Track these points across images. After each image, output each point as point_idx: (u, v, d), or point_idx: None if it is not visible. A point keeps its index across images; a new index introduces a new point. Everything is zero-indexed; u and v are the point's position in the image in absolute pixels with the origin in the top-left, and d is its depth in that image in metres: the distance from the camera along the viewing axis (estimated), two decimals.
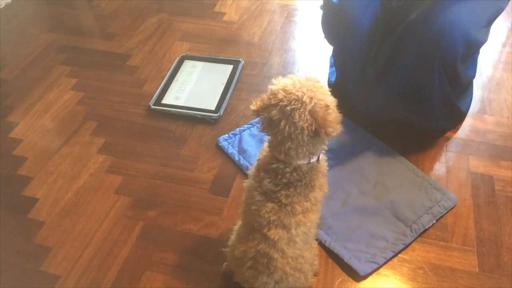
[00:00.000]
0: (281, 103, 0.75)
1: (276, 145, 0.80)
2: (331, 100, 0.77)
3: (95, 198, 1.26)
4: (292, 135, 0.76)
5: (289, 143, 0.77)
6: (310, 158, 0.82)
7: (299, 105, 0.74)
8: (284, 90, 0.76)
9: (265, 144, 0.86)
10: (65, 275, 1.09)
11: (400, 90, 1.27)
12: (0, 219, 1.22)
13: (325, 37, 1.39)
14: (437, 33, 1.10)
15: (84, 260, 1.12)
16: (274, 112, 0.76)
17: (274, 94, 0.77)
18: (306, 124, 0.74)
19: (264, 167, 0.85)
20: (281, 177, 0.83)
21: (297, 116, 0.74)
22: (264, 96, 0.79)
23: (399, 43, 1.18)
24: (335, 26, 1.31)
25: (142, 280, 1.07)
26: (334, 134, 0.76)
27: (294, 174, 0.82)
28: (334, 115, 0.77)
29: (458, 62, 1.19)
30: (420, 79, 1.22)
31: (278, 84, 0.78)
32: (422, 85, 1.23)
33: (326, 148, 0.84)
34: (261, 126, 0.81)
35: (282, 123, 0.75)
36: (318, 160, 0.85)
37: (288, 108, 0.75)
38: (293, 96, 0.75)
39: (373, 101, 1.35)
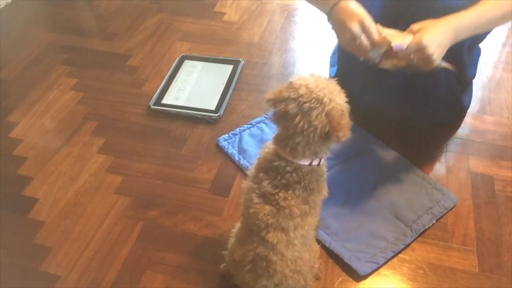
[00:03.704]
0: (300, 99, 0.76)
1: (285, 137, 0.81)
2: (346, 106, 0.79)
3: (95, 198, 1.26)
4: (304, 132, 0.77)
5: (299, 138, 0.78)
6: (312, 160, 0.83)
7: (318, 105, 0.76)
8: (306, 87, 0.77)
9: (268, 143, 0.87)
10: (65, 275, 1.09)
11: (407, 81, 1.26)
12: (0, 219, 1.22)
13: (332, 28, 1.37)
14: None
15: (84, 260, 1.12)
16: (291, 105, 0.77)
17: (295, 89, 0.77)
18: (320, 125, 0.76)
19: (264, 166, 0.85)
20: (280, 178, 0.83)
21: (314, 115, 0.76)
22: (282, 88, 0.80)
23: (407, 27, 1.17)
24: None
25: (142, 280, 1.07)
26: (343, 139, 0.78)
27: (294, 174, 0.82)
28: (347, 120, 0.78)
29: (464, 51, 1.18)
30: None
31: (300, 80, 0.79)
32: (429, 75, 1.22)
33: (329, 151, 0.86)
34: (273, 116, 0.81)
35: (297, 118, 0.77)
36: (319, 164, 0.85)
37: (307, 105, 0.76)
38: (314, 95, 0.76)
39: (377, 95, 1.34)
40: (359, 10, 0.97)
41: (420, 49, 0.93)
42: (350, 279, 1.05)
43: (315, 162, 0.84)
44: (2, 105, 1.57)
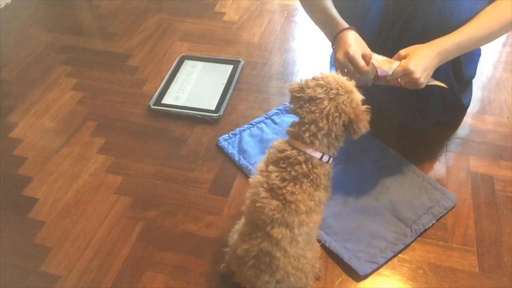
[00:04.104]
0: (328, 85, 0.83)
1: (306, 123, 0.84)
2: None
3: (95, 198, 1.26)
4: (330, 117, 0.83)
5: (324, 122, 0.83)
6: (323, 154, 0.86)
7: (344, 92, 0.83)
8: (333, 77, 0.85)
9: (279, 138, 0.91)
10: (65, 275, 1.09)
11: None
12: (0, 219, 1.22)
13: None
14: (446, 13, 1.09)
15: (84, 260, 1.12)
16: (320, 90, 0.83)
17: (323, 77, 0.85)
18: (347, 109, 0.83)
19: (275, 157, 0.87)
20: (290, 169, 0.85)
21: (341, 100, 0.82)
22: (305, 78, 0.87)
23: (407, 25, 1.16)
24: (344, 12, 1.29)
25: (142, 280, 1.07)
26: (363, 130, 0.85)
27: (304, 166, 0.85)
28: (367, 115, 0.86)
29: None
30: None
31: (325, 74, 0.86)
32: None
33: (338, 148, 0.90)
34: (294, 106, 0.86)
35: (325, 102, 0.83)
36: (328, 161, 0.88)
37: (334, 91, 0.83)
38: (341, 83, 0.84)
39: (378, 94, 1.34)
40: (350, 41, 1.04)
41: (406, 75, 1.00)
42: (350, 279, 1.05)
43: (325, 158, 0.87)
44: (2, 105, 1.57)
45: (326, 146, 0.86)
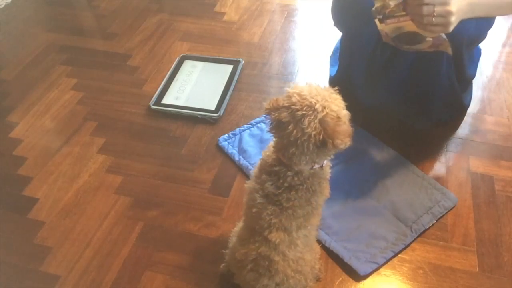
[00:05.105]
0: (293, 107, 0.74)
1: (281, 147, 0.80)
2: (344, 114, 0.77)
3: (95, 198, 1.26)
4: (298, 141, 0.75)
5: (293, 149, 0.76)
6: (312, 165, 0.82)
7: (310, 112, 0.73)
8: (299, 94, 0.75)
9: (271, 144, 0.86)
10: (65, 275, 1.09)
11: (408, 76, 1.26)
12: (0, 219, 1.22)
13: (334, 25, 1.36)
14: None
15: (84, 260, 1.12)
16: (284, 114, 0.75)
17: (288, 97, 0.76)
18: (314, 132, 0.74)
19: (266, 169, 0.84)
20: (282, 181, 0.82)
21: (306, 123, 0.73)
22: (280, 97, 0.78)
23: None
24: (347, 11, 1.29)
25: (142, 280, 1.07)
26: (342, 146, 0.75)
27: (295, 178, 0.82)
28: (344, 127, 0.75)
29: (464, 47, 1.18)
30: (428, 64, 1.21)
31: (294, 88, 0.77)
32: (430, 70, 1.23)
33: (330, 158, 0.84)
34: (269, 126, 0.80)
35: (290, 127, 0.75)
36: (321, 167, 0.84)
37: (299, 113, 0.74)
38: (306, 102, 0.74)
39: (378, 94, 1.34)
40: None
41: (442, 5, 0.90)
42: (350, 279, 1.05)
43: (316, 166, 0.83)
44: (2, 105, 1.57)
45: (310, 162, 0.80)
